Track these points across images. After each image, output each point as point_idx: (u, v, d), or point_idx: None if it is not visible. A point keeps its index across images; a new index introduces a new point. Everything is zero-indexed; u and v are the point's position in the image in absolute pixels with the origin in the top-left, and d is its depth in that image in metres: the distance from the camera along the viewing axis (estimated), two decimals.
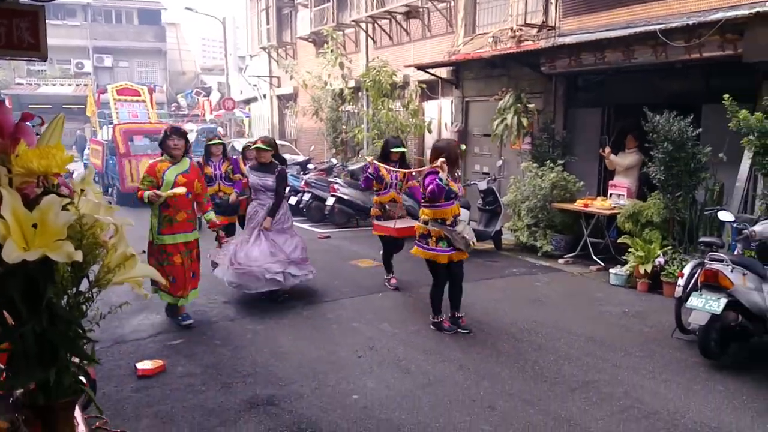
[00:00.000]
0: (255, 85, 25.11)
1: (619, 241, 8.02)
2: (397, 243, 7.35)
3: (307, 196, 12.53)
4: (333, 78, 16.25)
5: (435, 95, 13.77)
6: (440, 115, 13.81)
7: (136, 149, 14.70)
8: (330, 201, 11.89)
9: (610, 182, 9.00)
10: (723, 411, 4.18)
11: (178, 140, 5.71)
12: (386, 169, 7.14)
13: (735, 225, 6.09)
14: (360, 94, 15.75)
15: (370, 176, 7.29)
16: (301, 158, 16.25)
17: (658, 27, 7.77)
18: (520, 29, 10.85)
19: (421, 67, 12.66)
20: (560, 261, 8.86)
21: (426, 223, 5.54)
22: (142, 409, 4.13)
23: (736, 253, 5.74)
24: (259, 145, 6.50)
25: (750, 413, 4.16)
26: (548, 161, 9.56)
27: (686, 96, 8.68)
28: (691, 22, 7.56)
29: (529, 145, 10.69)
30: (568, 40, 9.43)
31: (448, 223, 5.46)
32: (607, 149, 9.00)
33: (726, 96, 6.90)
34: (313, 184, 12.54)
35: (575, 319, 6.19)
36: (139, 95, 16.97)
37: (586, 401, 4.33)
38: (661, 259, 7.14)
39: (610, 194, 8.80)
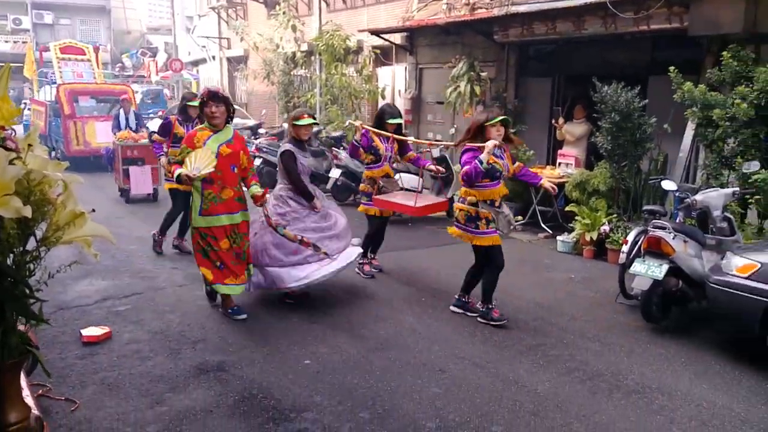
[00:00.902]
0: (204, 47, 24.35)
1: (566, 209, 8.20)
2: (384, 225, 6.55)
3: (258, 161, 12.27)
4: (285, 41, 15.90)
5: (389, 61, 13.65)
6: (394, 81, 13.73)
7: (82, 111, 14.12)
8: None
9: (559, 151, 9.17)
10: (663, 372, 4.37)
11: (217, 106, 4.87)
12: (380, 139, 6.19)
13: (677, 194, 6.29)
14: (313, 58, 15.49)
15: (357, 144, 6.20)
16: (252, 122, 15.95)
17: None
18: None
19: (375, 33, 12.51)
20: None
21: (474, 204, 5.03)
22: (88, 377, 4.04)
23: (678, 221, 5.95)
24: (307, 120, 5.45)
25: (688, 374, 4.36)
26: None
27: (634, 67, 8.86)
28: None
29: None
30: (520, 9, 9.44)
31: (496, 204, 5.07)
32: (561, 120, 9.13)
33: (672, 68, 7.06)
34: (264, 149, 12.31)
35: (524, 285, 6.33)
36: (84, 54, 16.23)
37: (534, 364, 4.46)
38: (606, 227, 7.35)
39: (559, 163, 8.97)
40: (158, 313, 5.26)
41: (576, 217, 7.85)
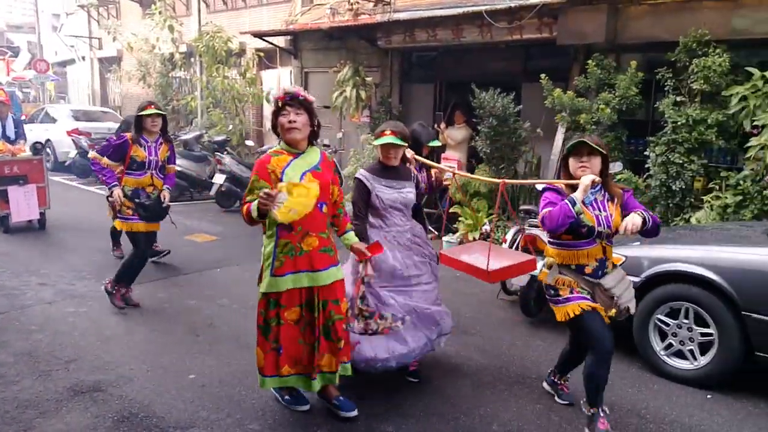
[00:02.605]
0: (72, 47, 22.82)
1: (450, 210, 8.47)
2: None
3: None
4: (162, 41, 15.25)
5: (273, 64, 13.48)
6: (279, 84, 13.55)
7: None
8: None
9: (443, 155, 9.44)
10: (542, 363, 4.59)
11: (297, 113, 3.28)
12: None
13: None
14: (193, 59, 14.99)
15: None
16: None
17: (484, 8, 8.23)
18: (357, 2, 10.92)
19: (258, 35, 12.31)
20: None
21: (550, 267, 3.53)
22: None
23: None
24: (391, 138, 3.81)
25: None
26: None
27: (509, 75, 9.33)
28: (513, 5, 8.10)
29: (368, 118, 10.89)
30: (402, 16, 9.67)
31: (587, 272, 3.40)
32: (443, 125, 9.43)
33: (543, 75, 7.51)
34: None
35: None
36: None
37: (419, 363, 4.54)
38: (487, 227, 7.65)
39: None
40: (24, 333, 4.83)
41: (459, 218, 8.12)
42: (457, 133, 9.25)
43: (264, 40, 12.50)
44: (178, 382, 4.09)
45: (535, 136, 8.19)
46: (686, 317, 4.27)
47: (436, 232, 8.91)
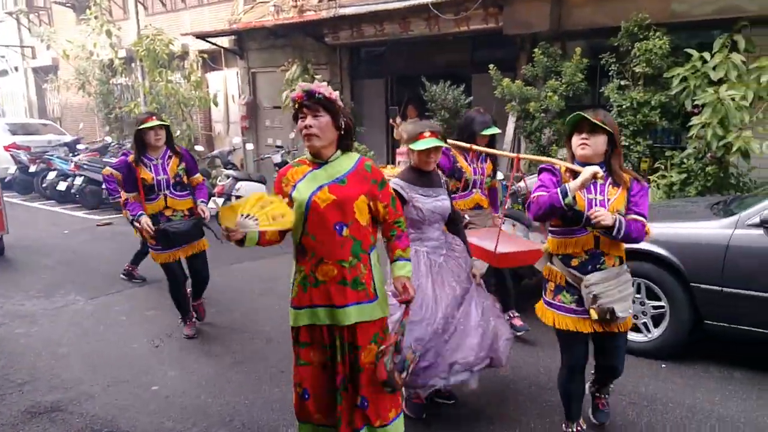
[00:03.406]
0: (3, 57, 21.90)
1: None
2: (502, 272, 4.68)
3: (79, 180, 11.35)
4: (100, 47, 14.76)
5: (218, 66, 13.24)
6: (226, 86, 13.35)
7: None
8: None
9: (398, 150, 9.46)
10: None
11: (317, 115, 2.63)
12: (466, 157, 4.47)
13: (504, 182, 6.76)
14: (133, 65, 14.59)
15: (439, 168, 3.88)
16: (68, 138, 14.61)
17: (430, 0, 8.27)
18: None
19: (201, 36, 12.08)
20: None
21: (550, 257, 3.15)
22: None
23: (506, 206, 6.39)
24: (434, 141, 3.32)
25: (538, 350, 4.68)
26: None
27: (458, 66, 9.41)
28: None
29: None
30: (348, 11, 9.62)
31: (573, 264, 3.01)
32: (398, 119, 9.43)
33: (491, 66, 7.60)
34: (85, 167, 11.36)
35: None
36: None
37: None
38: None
39: (398, 162, 9.25)
40: None
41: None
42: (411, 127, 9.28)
43: (207, 41, 12.27)
44: (141, 394, 3.99)
45: None
46: (638, 292, 4.40)
47: None
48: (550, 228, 3.12)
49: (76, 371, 4.36)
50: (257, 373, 4.29)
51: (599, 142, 2.86)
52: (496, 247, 3.77)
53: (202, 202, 4.89)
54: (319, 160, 2.71)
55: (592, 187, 2.90)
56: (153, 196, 4.68)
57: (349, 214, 2.66)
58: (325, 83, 2.60)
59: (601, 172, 2.74)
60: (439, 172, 3.74)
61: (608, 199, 2.89)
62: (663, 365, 4.29)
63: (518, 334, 4.34)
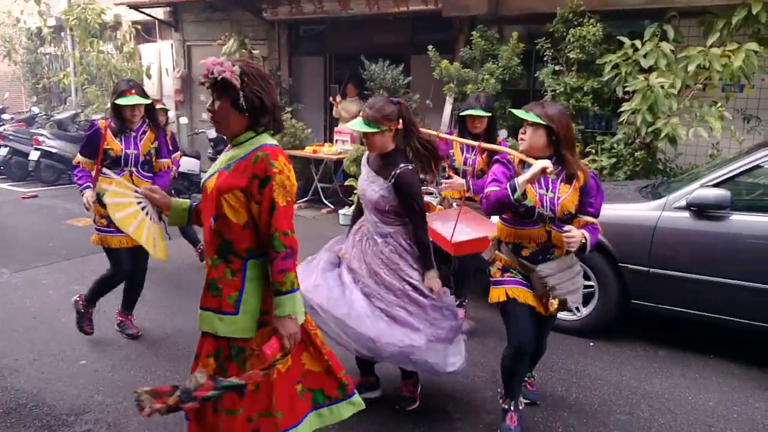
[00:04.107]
0: None
1: (346, 183, 8.48)
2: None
3: (4, 151, 10.87)
4: (28, 15, 13.99)
5: (152, 38, 12.78)
6: (160, 59, 12.89)
7: None
8: (34, 155, 10.47)
9: (336, 129, 9.42)
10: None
11: (217, 98, 2.28)
12: (461, 149, 4.52)
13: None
14: (63, 34, 13.91)
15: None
16: None
17: None
18: None
19: (134, 6, 11.59)
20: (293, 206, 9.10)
21: (498, 244, 3.16)
22: None
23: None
24: (354, 122, 3.21)
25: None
26: None
27: (397, 47, 9.41)
28: None
29: None
30: None
31: (524, 254, 3.02)
32: (338, 98, 9.38)
33: (430, 47, 7.64)
34: (11, 137, 10.90)
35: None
36: None
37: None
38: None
39: (336, 140, 9.22)
40: None
41: (354, 191, 8.15)
42: (351, 105, 9.25)
43: (141, 11, 11.80)
44: (69, 369, 3.88)
45: (426, 108, 8.35)
46: None
47: (331, 206, 8.93)
48: (502, 216, 3.08)
49: (0, 345, 4.19)
50: (188, 348, 4.22)
51: (536, 136, 2.84)
52: (452, 235, 3.65)
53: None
54: (233, 142, 2.37)
55: (543, 181, 2.86)
56: (117, 170, 4.01)
57: (218, 207, 2.27)
58: (226, 59, 2.24)
59: (551, 167, 2.68)
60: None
61: (558, 197, 2.86)
62: (591, 343, 4.49)
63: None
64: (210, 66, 2.21)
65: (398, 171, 3.07)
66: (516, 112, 2.88)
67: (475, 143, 3.88)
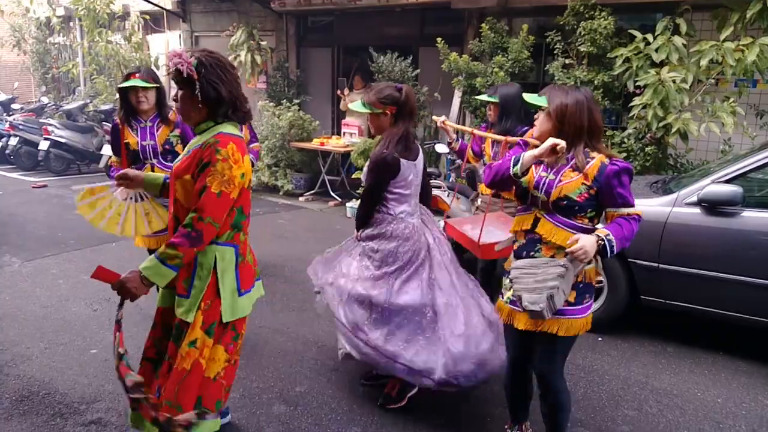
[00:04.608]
0: None
1: (353, 176, 8.48)
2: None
3: (14, 141, 10.92)
4: (37, 4, 14.02)
5: (160, 28, 12.79)
6: (168, 49, 12.88)
7: None
8: (44, 145, 10.51)
9: (343, 121, 9.41)
10: None
11: (180, 89, 2.42)
12: (492, 145, 4.41)
13: (449, 156, 6.83)
14: (72, 24, 13.94)
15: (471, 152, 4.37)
16: (3, 97, 13.93)
17: None
18: None
19: None
20: (301, 199, 9.13)
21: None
22: None
23: (450, 180, 6.48)
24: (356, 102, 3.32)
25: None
26: (284, 100, 9.62)
27: (406, 39, 9.37)
28: None
29: (265, 83, 10.63)
30: None
31: (515, 247, 2.73)
32: (346, 90, 9.36)
33: (439, 39, 7.60)
34: (21, 127, 10.94)
35: (316, 251, 6.41)
36: None
37: (331, 324, 4.56)
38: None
39: (344, 133, 9.21)
40: None
41: (362, 184, 8.14)
42: (358, 97, 9.21)
43: (149, 2, 11.80)
44: (80, 357, 3.90)
45: (433, 100, 8.32)
46: None
47: (339, 199, 8.93)
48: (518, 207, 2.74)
49: (11, 333, 4.23)
50: None
51: (542, 121, 2.58)
52: (479, 237, 3.44)
53: None
54: (195, 130, 2.47)
55: (552, 166, 2.56)
56: (138, 165, 3.92)
57: (175, 191, 2.40)
58: (185, 51, 2.32)
59: (562, 144, 2.40)
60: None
61: (560, 180, 2.51)
62: (600, 338, 4.48)
63: None
64: (168, 59, 2.34)
65: (373, 154, 3.18)
66: (527, 96, 2.68)
67: (502, 138, 3.72)
